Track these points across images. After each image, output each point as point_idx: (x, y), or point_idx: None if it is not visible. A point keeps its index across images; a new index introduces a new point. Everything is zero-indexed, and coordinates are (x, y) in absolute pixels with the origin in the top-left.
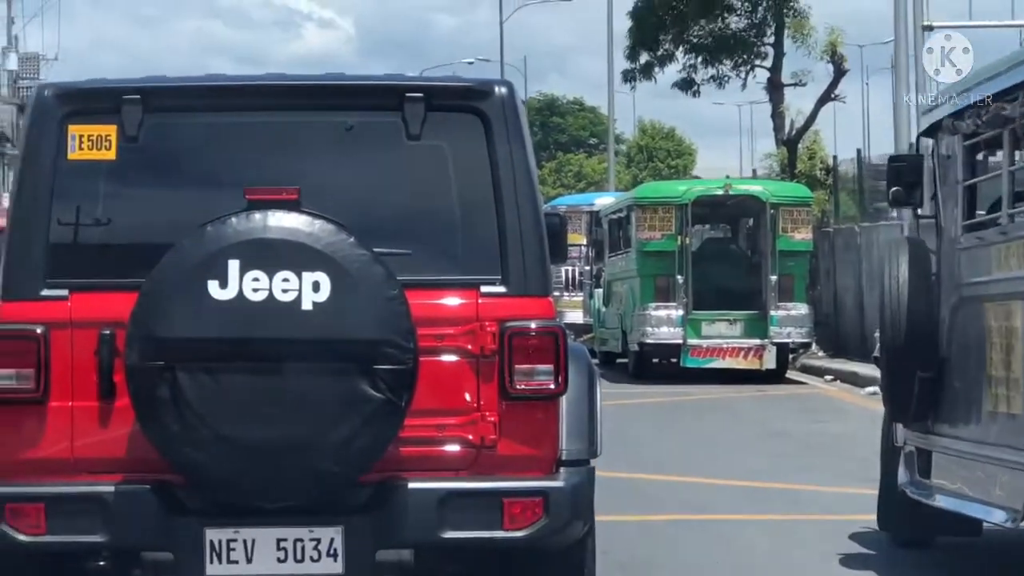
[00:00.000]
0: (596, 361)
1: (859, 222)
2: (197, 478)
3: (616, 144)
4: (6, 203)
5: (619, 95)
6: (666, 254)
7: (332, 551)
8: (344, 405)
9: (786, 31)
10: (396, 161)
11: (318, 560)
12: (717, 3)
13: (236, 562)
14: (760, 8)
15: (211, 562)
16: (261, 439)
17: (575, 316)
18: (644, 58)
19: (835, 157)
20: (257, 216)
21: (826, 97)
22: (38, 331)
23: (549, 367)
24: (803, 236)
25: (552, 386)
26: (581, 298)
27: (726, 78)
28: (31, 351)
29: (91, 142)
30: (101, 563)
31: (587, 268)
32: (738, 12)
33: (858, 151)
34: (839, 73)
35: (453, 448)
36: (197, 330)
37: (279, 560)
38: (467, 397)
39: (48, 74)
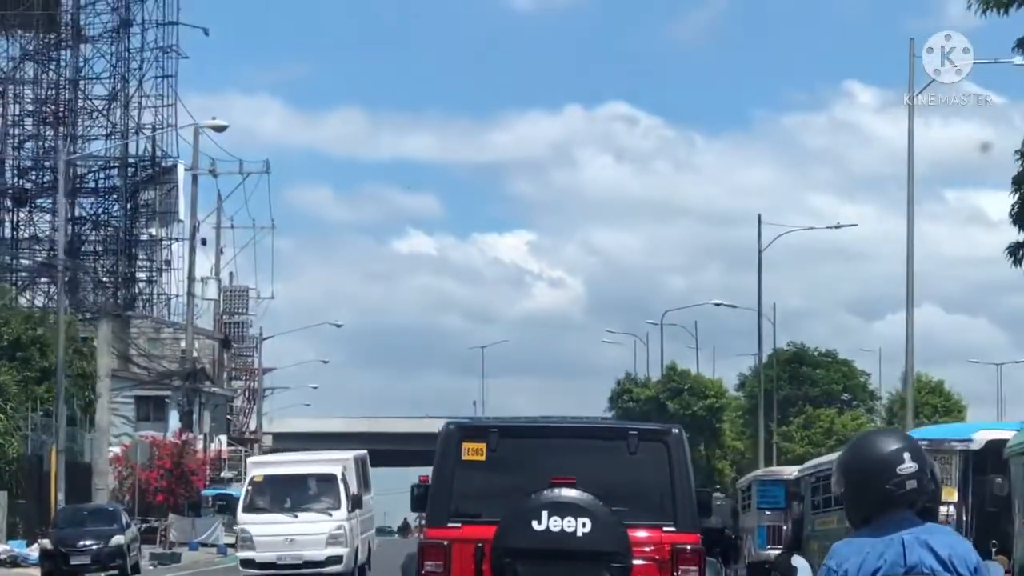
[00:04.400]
0: None
1: None
2: None
3: (872, 400)
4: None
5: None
6: None
7: None
8: None
9: None
10: (623, 464)
11: None
12: None
13: None
14: None
15: None
16: None
17: None
18: None
19: None
20: (556, 490)
21: None
22: (445, 543)
23: (696, 568)
24: None
25: None
26: None
27: None
28: (442, 553)
29: (473, 451)
30: None
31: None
32: None
33: None
34: None
35: None
36: (527, 544)
37: None
38: None
39: (259, 311)
